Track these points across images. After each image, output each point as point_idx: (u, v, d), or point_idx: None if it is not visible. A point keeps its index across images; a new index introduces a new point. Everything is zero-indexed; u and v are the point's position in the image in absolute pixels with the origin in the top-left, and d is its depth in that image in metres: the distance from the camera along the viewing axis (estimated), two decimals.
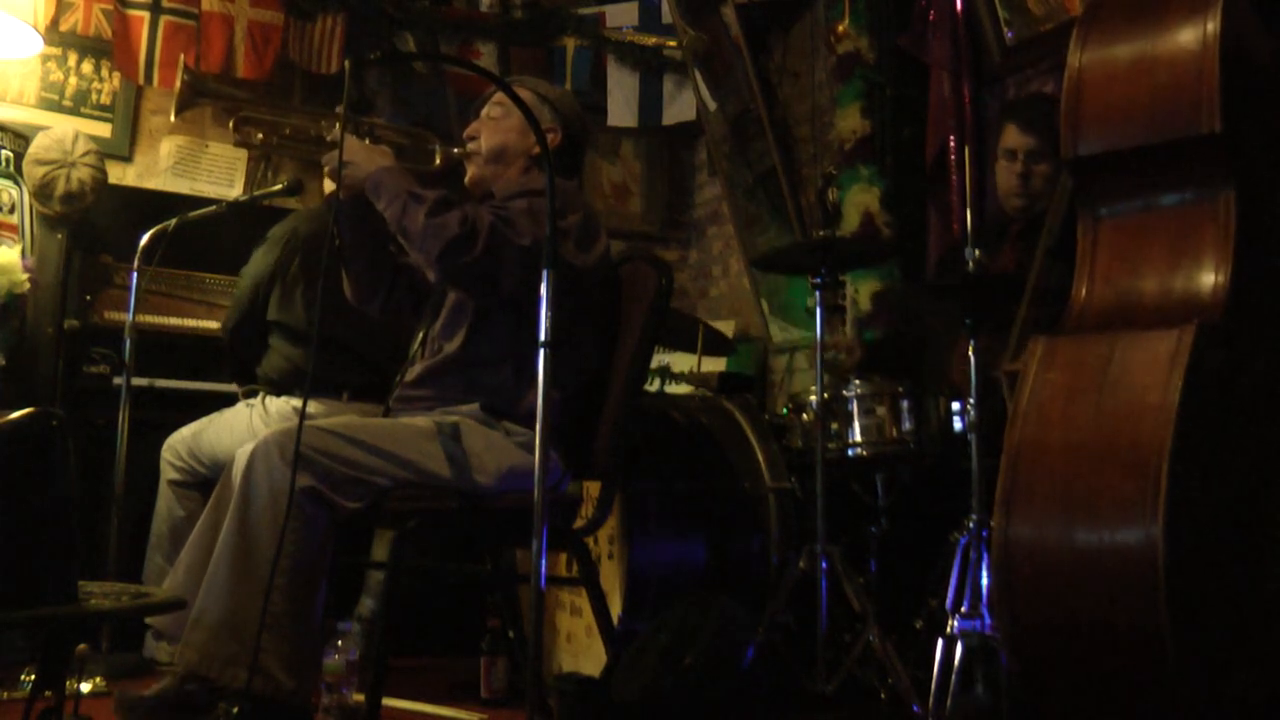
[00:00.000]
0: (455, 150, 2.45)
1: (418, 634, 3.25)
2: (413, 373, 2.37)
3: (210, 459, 2.91)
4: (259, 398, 3.00)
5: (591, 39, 4.57)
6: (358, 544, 3.07)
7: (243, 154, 4.15)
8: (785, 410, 2.98)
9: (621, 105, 4.61)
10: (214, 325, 3.46)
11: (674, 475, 2.88)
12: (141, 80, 3.84)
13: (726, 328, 4.44)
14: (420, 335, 2.45)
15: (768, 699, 2.34)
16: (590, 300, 2.34)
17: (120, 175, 3.93)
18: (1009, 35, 3.41)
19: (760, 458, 2.97)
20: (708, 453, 2.99)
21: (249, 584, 1.92)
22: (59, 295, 3.34)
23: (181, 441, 2.97)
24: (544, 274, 1.84)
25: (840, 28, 3.88)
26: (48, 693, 1.49)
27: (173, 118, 2.51)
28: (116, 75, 3.95)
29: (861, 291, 3.73)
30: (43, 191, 3.32)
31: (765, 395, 4.38)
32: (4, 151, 3.35)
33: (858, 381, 2.74)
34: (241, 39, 3.94)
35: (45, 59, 3.87)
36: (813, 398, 2.70)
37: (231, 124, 2.32)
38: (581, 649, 2.81)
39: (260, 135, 2.31)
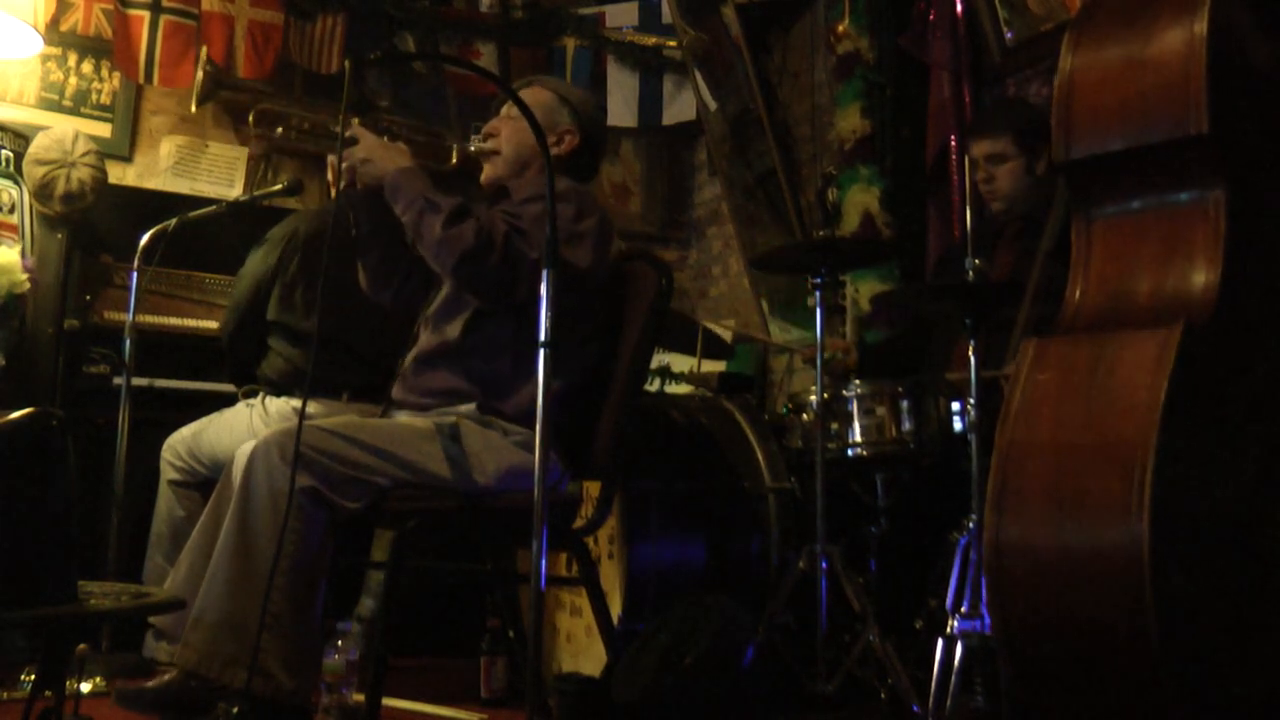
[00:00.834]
0: (472, 148, 2.44)
1: (418, 634, 3.26)
2: (411, 358, 2.37)
3: (210, 459, 2.91)
4: (259, 398, 3.00)
5: (591, 39, 4.57)
6: (358, 544, 3.07)
7: (243, 154, 4.15)
8: (785, 410, 2.98)
9: (621, 105, 4.61)
10: (214, 325, 3.46)
11: (674, 475, 2.88)
12: (142, 80, 3.84)
13: (726, 328, 4.44)
14: (420, 316, 2.46)
15: (768, 699, 2.35)
16: (591, 300, 2.34)
17: (120, 175, 3.93)
18: (1009, 35, 3.41)
19: (760, 458, 2.97)
20: (708, 453, 2.99)
21: (249, 584, 1.93)
22: (59, 295, 3.34)
23: (181, 441, 2.97)
24: (544, 274, 1.84)
25: (840, 28, 3.88)
26: (48, 693, 1.49)
27: (193, 108, 2.53)
28: (116, 75, 3.95)
29: (861, 291, 3.73)
30: (43, 191, 3.33)
31: (765, 395, 4.38)
32: (4, 151, 3.35)
33: (858, 381, 2.74)
34: (242, 39, 3.94)
35: (45, 59, 3.87)
36: (813, 398, 2.70)
37: (251, 117, 2.33)
38: (581, 649, 2.81)
39: (279, 130, 2.32)
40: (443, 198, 2.17)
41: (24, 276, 3.11)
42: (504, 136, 2.42)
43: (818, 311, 2.64)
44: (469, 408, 2.24)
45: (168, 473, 2.96)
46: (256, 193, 3.34)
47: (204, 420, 3.00)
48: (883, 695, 2.56)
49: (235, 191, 4.08)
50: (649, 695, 2.10)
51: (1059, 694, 1.84)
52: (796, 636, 2.66)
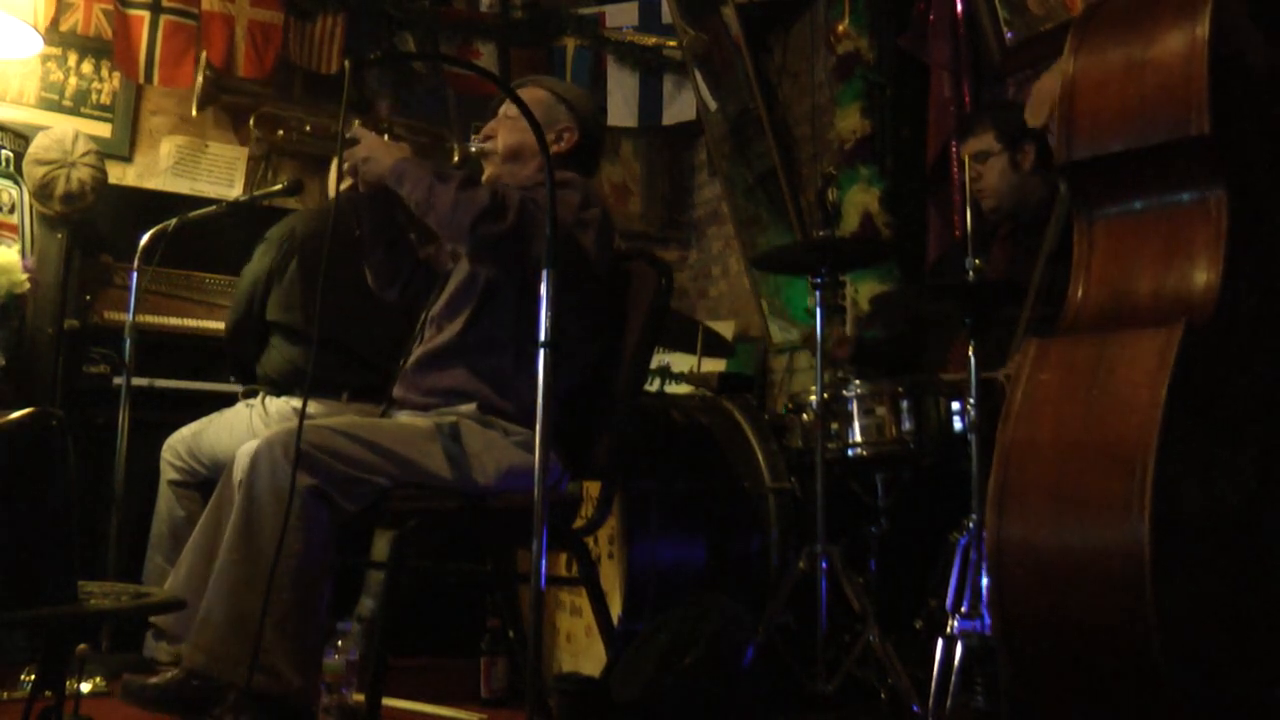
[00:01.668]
0: (472, 149, 2.45)
1: (418, 634, 3.25)
2: (413, 358, 2.37)
3: (210, 459, 2.91)
4: (259, 398, 3.00)
5: (591, 39, 4.57)
6: (358, 544, 3.07)
7: (243, 154, 4.15)
8: (785, 410, 2.98)
9: (621, 105, 4.62)
10: (214, 325, 3.46)
11: (674, 475, 2.88)
12: (141, 80, 3.84)
13: (726, 328, 4.45)
14: (422, 316, 2.46)
15: (768, 699, 2.35)
16: (591, 299, 2.34)
17: (120, 175, 3.93)
18: (1009, 35, 3.41)
19: (760, 458, 2.97)
20: (708, 453, 2.99)
21: (256, 584, 1.92)
22: (59, 295, 3.34)
23: (181, 441, 2.97)
24: (544, 273, 1.84)
25: (840, 28, 3.88)
26: (48, 693, 1.49)
27: (194, 112, 2.53)
28: (116, 75, 3.95)
29: (861, 291, 3.73)
30: (43, 191, 3.33)
31: (765, 395, 4.38)
32: (4, 151, 3.35)
33: (858, 381, 2.74)
34: (242, 39, 3.94)
35: (45, 59, 3.87)
36: (813, 398, 2.70)
37: (252, 120, 2.33)
38: (581, 649, 2.81)
39: (281, 132, 2.33)
40: (451, 170, 2.17)
41: (24, 276, 3.11)
42: (500, 135, 2.43)
43: (818, 311, 2.64)
44: (469, 407, 2.24)
45: (168, 473, 2.96)
46: (256, 193, 3.34)
47: (204, 420, 3.00)
48: (883, 695, 2.56)
49: (235, 191, 4.08)
50: (649, 695, 2.10)
51: (1059, 694, 1.84)
52: (796, 636, 2.66)
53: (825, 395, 2.64)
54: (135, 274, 2.95)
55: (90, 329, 3.34)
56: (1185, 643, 1.68)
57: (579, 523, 2.43)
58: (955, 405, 2.67)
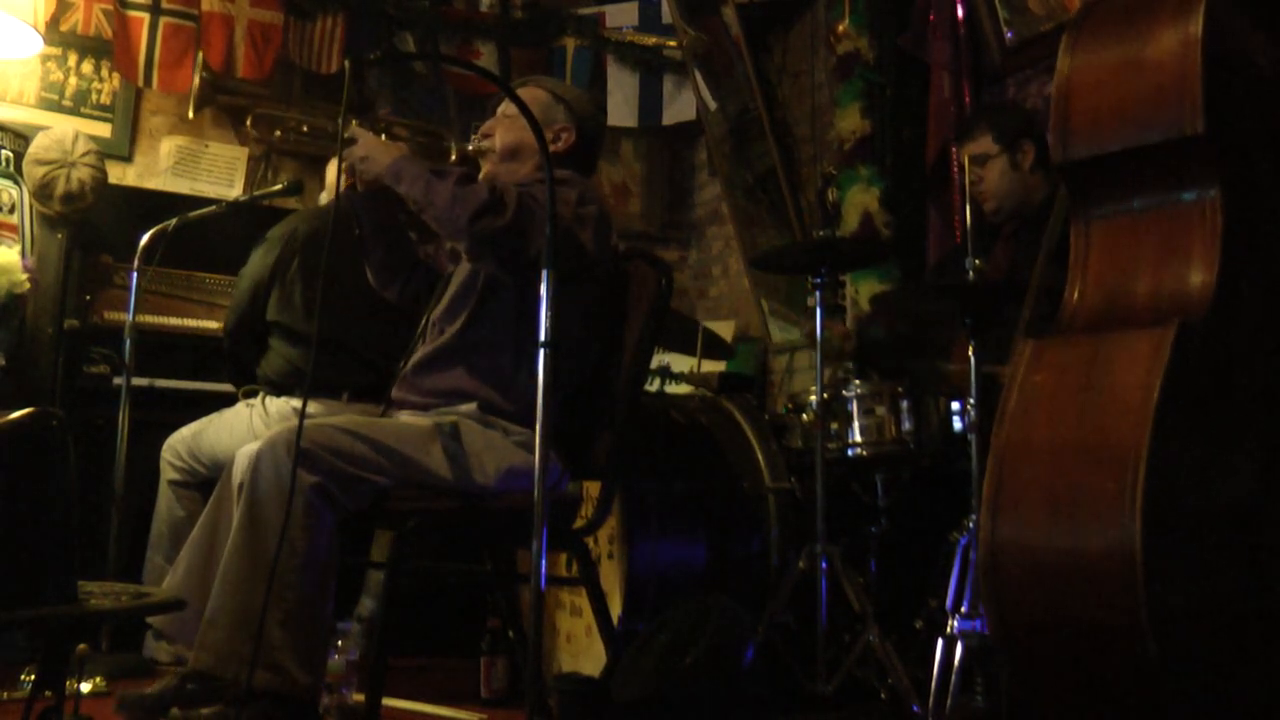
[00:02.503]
0: (470, 147, 2.45)
1: (418, 634, 3.25)
2: (414, 359, 2.37)
3: (210, 459, 2.91)
4: (259, 398, 3.00)
5: (591, 39, 4.57)
6: (358, 544, 3.07)
7: (243, 154, 4.15)
8: (785, 410, 2.98)
9: (621, 105, 4.61)
10: (214, 325, 3.46)
11: (674, 475, 2.88)
12: (141, 81, 3.84)
13: (726, 328, 4.45)
14: (424, 320, 2.46)
15: (768, 699, 2.34)
16: (592, 299, 2.34)
17: (120, 175, 3.93)
18: (1009, 35, 3.41)
19: (760, 458, 2.97)
20: (708, 453, 2.99)
21: (262, 583, 1.92)
22: (59, 295, 3.34)
23: (181, 441, 2.97)
24: (544, 273, 1.84)
25: (840, 28, 3.88)
26: (48, 693, 1.49)
27: (190, 114, 2.53)
28: (116, 75, 3.95)
29: (861, 291, 3.73)
30: (43, 191, 3.33)
31: (765, 395, 4.38)
32: (4, 151, 3.35)
33: (858, 381, 2.74)
34: (241, 39, 3.94)
35: (45, 59, 3.87)
36: (813, 398, 2.70)
37: (248, 120, 2.33)
38: (581, 649, 2.81)
39: (278, 132, 2.33)
40: (449, 167, 2.17)
41: (24, 276, 3.11)
42: (498, 134, 2.43)
43: (818, 312, 2.64)
44: (470, 407, 2.24)
45: (168, 473, 2.97)
46: (256, 193, 3.34)
47: (204, 420, 3.00)
48: (883, 695, 2.56)
49: (235, 191, 4.08)
50: (649, 695, 2.10)
51: (1057, 694, 1.84)
52: (796, 636, 2.66)
53: (825, 395, 2.64)
54: (135, 274, 2.95)
55: (90, 329, 3.34)
56: (1180, 643, 1.68)
57: (579, 523, 2.43)
58: (955, 405, 2.67)
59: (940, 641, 2.27)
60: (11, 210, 3.32)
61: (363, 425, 2.13)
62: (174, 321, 3.52)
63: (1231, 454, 1.83)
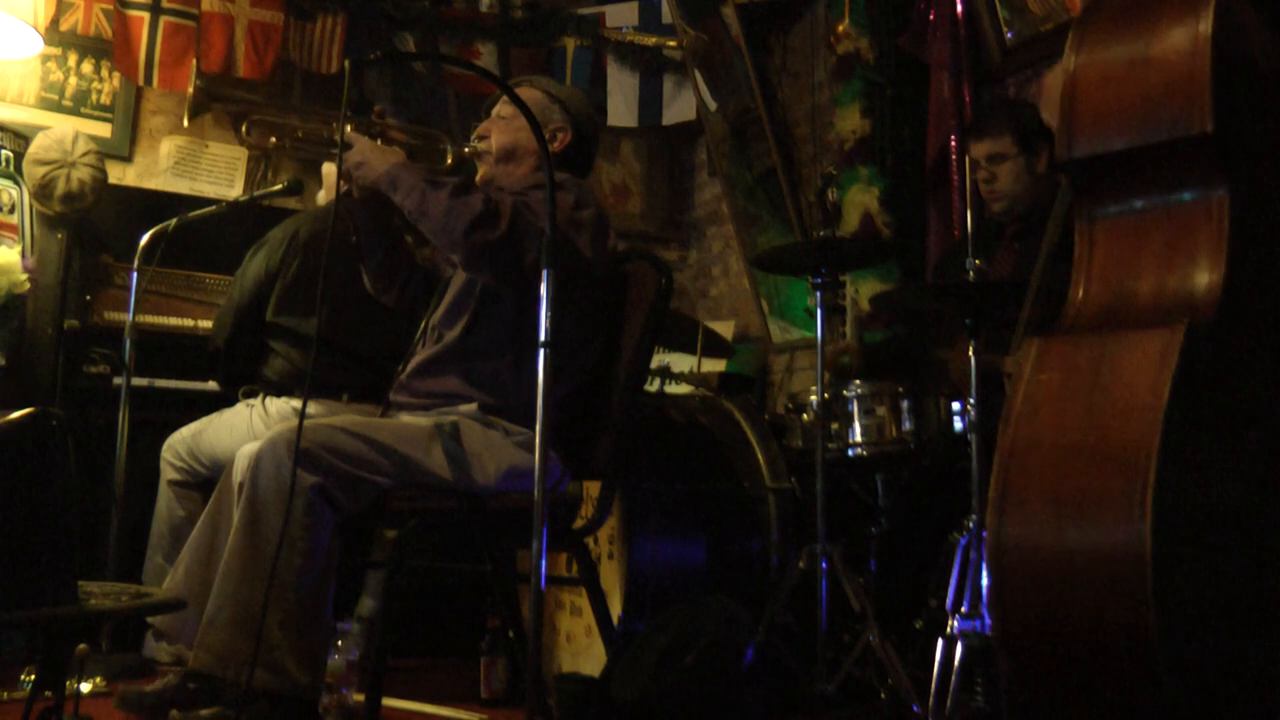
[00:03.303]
0: (466, 150, 2.45)
1: (418, 634, 3.25)
2: (413, 363, 2.37)
3: (210, 459, 2.91)
4: (259, 398, 3.00)
5: (591, 39, 4.57)
6: (358, 544, 3.07)
7: (243, 154, 4.15)
8: (785, 410, 2.98)
9: (621, 105, 4.61)
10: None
11: (674, 475, 2.88)
12: (141, 81, 3.84)
13: (726, 328, 4.45)
14: (422, 324, 2.46)
15: (768, 699, 2.34)
16: (591, 299, 2.34)
17: (120, 175, 3.93)
18: (1009, 35, 3.41)
19: (760, 458, 2.97)
20: (708, 453, 2.99)
21: (262, 583, 1.92)
22: (59, 295, 3.34)
23: (181, 441, 2.97)
24: (544, 274, 1.84)
25: (840, 28, 3.88)
26: (48, 693, 1.49)
27: (185, 122, 2.53)
28: (116, 75, 3.95)
29: (861, 291, 3.73)
30: (43, 191, 3.33)
31: (765, 395, 4.38)
32: (4, 151, 3.35)
33: (858, 381, 2.74)
34: (241, 39, 3.94)
35: (45, 59, 3.87)
36: (813, 398, 2.70)
37: (244, 127, 2.33)
38: (581, 649, 2.81)
39: (272, 138, 2.32)
40: (444, 177, 2.17)
41: (24, 276, 3.11)
42: (494, 136, 2.43)
43: (818, 311, 2.64)
44: (470, 407, 2.24)
45: (168, 473, 2.96)
46: (256, 193, 3.34)
47: (204, 420, 3.00)
48: (883, 695, 2.56)
49: (235, 191, 4.08)
50: (649, 695, 2.10)
51: (1059, 694, 1.84)
52: (796, 636, 2.66)
53: (825, 395, 2.64)
54: (135, 274, 2.95)
55: (90, 329, 3.33)
56: (1185, 643, 1.68)
57: (579, 523, 2.43)
58: (955, 405, 2.67)
59: (940, 641, 2.27)
60: (11, 210, 3.32)
61: (363, 425, 2.13)
62: (174, 321, 3.52)
63: (1232, 454, 1.83)
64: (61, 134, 3.41)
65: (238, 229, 3.42)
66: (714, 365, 4.25)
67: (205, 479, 2.90)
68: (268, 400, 2.98)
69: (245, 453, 2.06)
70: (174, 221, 3.01)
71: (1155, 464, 1.67)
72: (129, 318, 2.92)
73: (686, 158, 5.13)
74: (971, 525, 2.31)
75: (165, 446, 2.99)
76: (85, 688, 2.62)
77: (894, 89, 3.76)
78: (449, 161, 2.48)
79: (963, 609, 2.28)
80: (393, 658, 2.15)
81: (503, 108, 2.47)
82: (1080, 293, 1.98)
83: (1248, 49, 1.96)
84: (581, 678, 2.26)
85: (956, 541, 2.37)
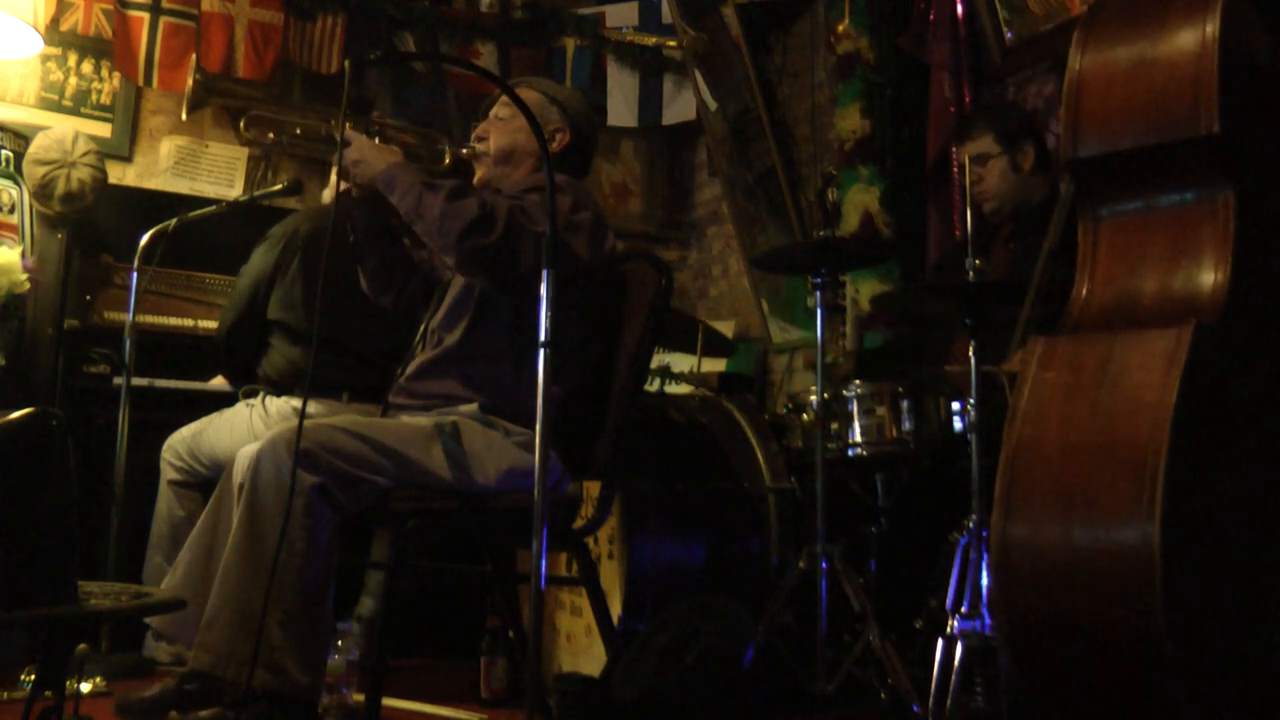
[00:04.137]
0: (464, 151, 2.45)
1: (418, 634, 3.25)
2: (413, 366, 2.37)
3: (210, 459, 2.91)
4: (259, 398, 3.00)
5: (591, 39, 4.57)
6: (358, 544, 3.06)
7: (243, 154, 4.15)
8: (785, 410, 2.98)
9: (621, 105, 4.62)
10: (214, 325, 3.45)
11: (674, 475, 2.88)
12: (141, 81, 3.84)
13: (726, 328, 4.45)
14: (422, 327, 2.46)
15: (768, 699, 2.34)
16: (591, 299, 2.34)
17: (120, 175, 3.93)
18: (1009, 35, 3.41)
19: (760, 458, 2.97)
20: (708, 453, 2.98)
21: (262, 583, 1.92)
22: (59, 295, 3.34)
23: (181, 441, 2.97)
24: (544, 273, 1.84)
25: (840, 28, 3.88)
26: (48, 693, 1.49)
27: (184, 117, 2.52)
28: (116, 75, 3.95)
29: (861, 291, 3.73)
30: (43, 191, 3.33)
31: (765, 395, 4.38)
32: (4, 151, 3.35)
33: (858, 381, 2.74)
34: (241, 39, 3.94)
35: (45, 59, 3.87)
36: (813, 398, 2.70)
37: (242, 124, 2.33)
38: (581, 649, 2.81)
39: (270, 135, 2.32)
40: (441, 179, 2.17)
41: (24, 276, 3.11)
42: (492, 137, 2.43)
43: (818, 311, 2.64)
44: (470, 407, 2.24)
45: (168, 473, 2.96)
46: (256, 193, 3.34)
47: (204, 420, 3.00)
48: (883, 695, 2.56)
49: (235, 191, 4.08)
50: (649, 695, 2.10)
51: (1064, 694, 1.84)
52: (796, 636, 2.66)
53: (825, 395, 2.64)
54: (135, 274, 2.95)
55: (90, 329, 3.33)
56: (1192, 642, 1.68)
57: (579, 523, 2.43)
58: (955, 405, 2.67)
59: (940, 641, 2.27)
60: (11, 210, 3.32)
61: (363, 425, 2.13)
62: (174, 321, 3.52)
63: (1236, 453, 1.83)
64: (61, 134, 3.41)
65: (238, 229, 3.41)
66: (714, 365, 4.25)
67: (205, 479, 2.90)
68: (268, 400, 2.98)
69: (245, 453, 2.06)
70: (174, 221, 3.01)
71: (1164, 464, 1.67)
72: (129, 318, 2.92)
73: (686, 158, 5.13)
74: (971, 525, 2.31)
75: (165, 446, 2.99)
76: (85, 688, 2.61)
77: (894, 89, 3.77)
78: (446, 162, 2.48)
79: (963, 609, 2.28)
80: (393, 658, 2.15)
81: (500, 109, 2.47)
82: (1084, 291, 1.98)
83: (1249, 48, 1.96)
84: (581, 678, 2.25)
85: (956, 541, 2.37)
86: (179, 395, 3.34)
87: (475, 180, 2.46)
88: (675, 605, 2.30)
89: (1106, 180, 1.98)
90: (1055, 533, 1.78)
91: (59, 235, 3.37)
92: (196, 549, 2.18)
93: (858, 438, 2.70)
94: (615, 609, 2.65)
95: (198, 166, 4.10)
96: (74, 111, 3.92)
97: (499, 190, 2.37)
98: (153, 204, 3.59)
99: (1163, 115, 1.89)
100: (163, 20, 3.85)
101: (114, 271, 3.47)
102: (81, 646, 1.53)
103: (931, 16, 3.58)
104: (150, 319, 3.42)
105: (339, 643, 2.37)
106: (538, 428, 1.80)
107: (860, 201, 3.73)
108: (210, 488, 2.29)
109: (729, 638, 2.17)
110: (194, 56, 2.70)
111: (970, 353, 2.38)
